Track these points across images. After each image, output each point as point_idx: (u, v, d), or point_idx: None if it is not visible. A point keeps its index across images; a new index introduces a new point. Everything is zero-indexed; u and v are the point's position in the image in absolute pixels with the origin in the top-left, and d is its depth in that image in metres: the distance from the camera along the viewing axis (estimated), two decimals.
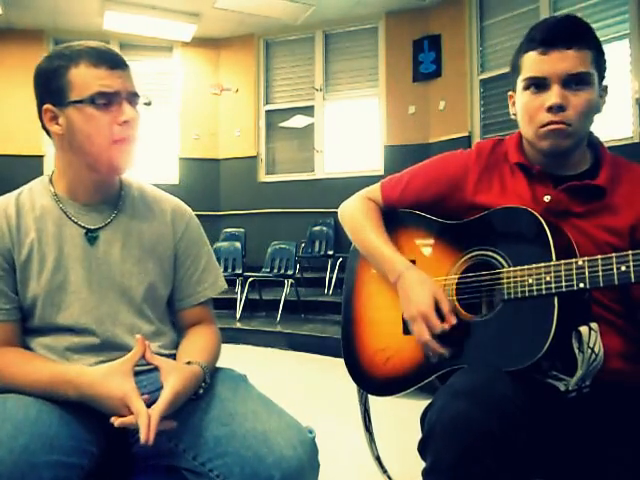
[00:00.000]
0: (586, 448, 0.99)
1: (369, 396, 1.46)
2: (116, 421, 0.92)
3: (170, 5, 6.49)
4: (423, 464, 0.96)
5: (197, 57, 7.58)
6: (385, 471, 1.52)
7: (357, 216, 1.36)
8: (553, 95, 1.10)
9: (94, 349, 1.09)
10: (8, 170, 6.65)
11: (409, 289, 1.18)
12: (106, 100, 1.05)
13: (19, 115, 6.80)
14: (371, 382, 1.30)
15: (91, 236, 1.12)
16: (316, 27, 7.15)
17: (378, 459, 1.51)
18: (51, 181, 1.15)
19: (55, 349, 1.08)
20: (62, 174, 1.14)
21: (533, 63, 1.13)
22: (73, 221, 1.11)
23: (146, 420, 0.89)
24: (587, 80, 1.11)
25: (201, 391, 1.03)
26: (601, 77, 1.14)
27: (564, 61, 1.09)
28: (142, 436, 0.89)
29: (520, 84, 1.17)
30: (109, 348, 1.10)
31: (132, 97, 1.08)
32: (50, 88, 1.06)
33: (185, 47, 7.47)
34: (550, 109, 1.10)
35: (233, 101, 7.60)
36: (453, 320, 1.11)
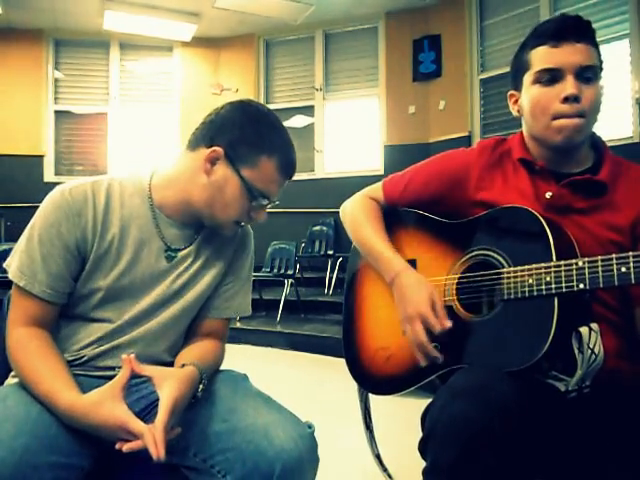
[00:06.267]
0: (586, 448, 0.99)
1: (369, 394, 1.46)
2: (123, 447, 0.88)
3: (170, 5, 6.48)
4: (423, 463, 0.96)
5: (197, 57, 7.57)
6: (385, 469, 1.52)
7: (357, 215, 1.36)
8: (569, 85, 1.10)
9: (127, 350, 1.06)
10: (8, 170, 6.66)
11: (405, 290, 1.17)
12: None
13: (19, 115, 6.80)
14: (371, 381, 1.30)
15: (169, 255, 1.12)
16: (316, 27, 7.14)
17: (378, 457, 1.52)
18: (150, 186, 1.12)
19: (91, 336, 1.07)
20: (166, 187, 1.11)
21: (545, 56, 1.13)
22: (159, 235, 1.11)
23: (152, 438, 0.86)
24: (596, 74, 1.12)
25: (199, 393, 1.02)
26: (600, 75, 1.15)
27: (576, 53, 1.10)
28: (153, 454, 0.86)
29: (528, 79, 1.16)
30: (143, 359, 1.03)
31: None
32: None
33: (185, 47, 7.46)
34: (566, 99, 1.10)
35: None
36: (448, 324, 1.11)
